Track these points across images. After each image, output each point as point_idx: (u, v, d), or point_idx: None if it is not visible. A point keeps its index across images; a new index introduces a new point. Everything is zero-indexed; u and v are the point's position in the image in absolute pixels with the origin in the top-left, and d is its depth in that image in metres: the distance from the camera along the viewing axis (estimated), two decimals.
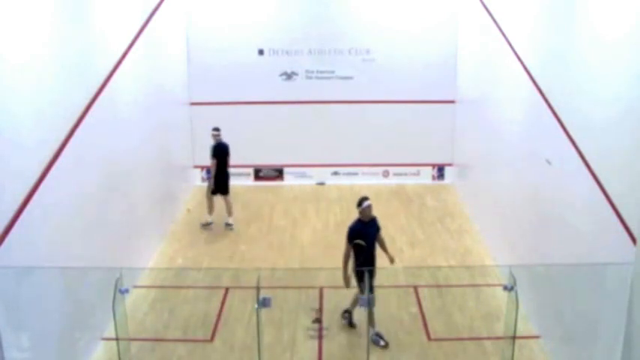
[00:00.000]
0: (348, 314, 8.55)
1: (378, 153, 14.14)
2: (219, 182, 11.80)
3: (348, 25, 13.71)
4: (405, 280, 9.79)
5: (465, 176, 13.32)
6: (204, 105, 13.75)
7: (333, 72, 13.83)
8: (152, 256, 10.69)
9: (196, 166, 14.04)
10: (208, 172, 13.08)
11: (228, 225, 11.84)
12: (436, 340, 8.20)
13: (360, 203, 8.16)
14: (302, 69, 13.80)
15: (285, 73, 13.84)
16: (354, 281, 8.13)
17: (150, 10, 10.76)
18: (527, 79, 8.99)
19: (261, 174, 14.34)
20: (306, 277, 9.84)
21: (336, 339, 8.36)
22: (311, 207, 12.97)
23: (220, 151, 11.73)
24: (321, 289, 9.40)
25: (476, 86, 12.27)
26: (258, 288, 6.93)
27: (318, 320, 8.55)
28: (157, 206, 11.16)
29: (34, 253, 6.55)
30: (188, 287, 9.70)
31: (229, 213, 11.92)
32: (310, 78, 13.84)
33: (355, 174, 14.34)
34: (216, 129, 11.74)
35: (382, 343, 8.06)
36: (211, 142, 11.78)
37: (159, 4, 11.18)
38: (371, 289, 7.69)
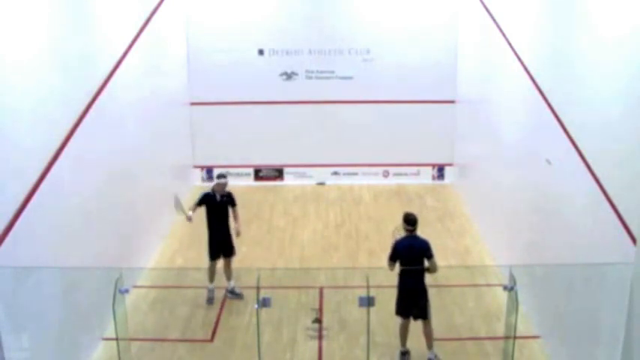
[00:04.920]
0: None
1: (378, 153, 14.13)
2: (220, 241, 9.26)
3: (348, 25, 13.70)
4: None
5: (465, 176, 13.31)
6: (204, 105, 13.75)
7: (333, 72, 13.83)
8: (152, 256, 10.69)
9: (196, 166, 14.03)
10: (209, 173, 12.85)
11: (232, 294, 9.28)
12: (436, 340, 8.16)
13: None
14: (302, 69, 13.80)
15: (285, 73, 13.83)
16: None
17: (150, 11, 10.76)
18: (527, 79, 8.99)
19: (261, 174, 14.33)
20: (306, 277, 9.84)
21: (336, 339, 8.36)
22: (311, 207, 12.96)
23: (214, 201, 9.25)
24: (321, 289, 9.39)
25: (476, 86, 12.26)
26: (258, 288, 6.93)
27: (318, 320, 8.55)
28: (157, 206, 11.15)
29: (34, 253, 6.55)
30: (188, 287, 9.70)
31: (229, 277, 9.37)
32: (310, 78, 13.84)
33: (355, 174, 14.33)
34: (223, 175, 9.36)
35: None
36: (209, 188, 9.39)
37: (159, 5, 11.18)
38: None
